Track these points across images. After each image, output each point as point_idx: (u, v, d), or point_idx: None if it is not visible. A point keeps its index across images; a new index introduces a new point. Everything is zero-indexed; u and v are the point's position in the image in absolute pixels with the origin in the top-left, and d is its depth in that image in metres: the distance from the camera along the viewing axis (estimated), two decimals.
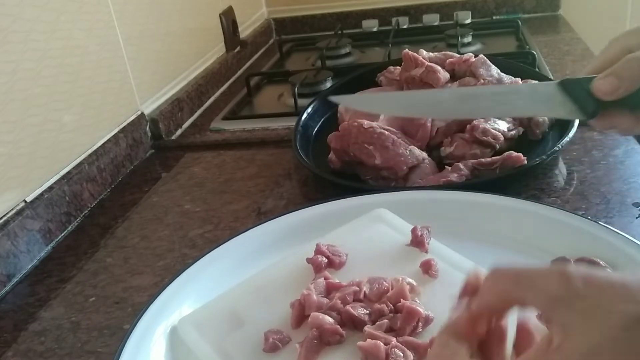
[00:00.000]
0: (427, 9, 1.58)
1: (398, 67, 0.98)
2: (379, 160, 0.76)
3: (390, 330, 0.49)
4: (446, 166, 0.76)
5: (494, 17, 1.56)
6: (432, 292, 0.53)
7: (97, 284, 0.68)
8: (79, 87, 0.86)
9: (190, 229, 0.76)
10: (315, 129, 0.96)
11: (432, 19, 1.53)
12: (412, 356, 0.46)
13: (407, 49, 0.95)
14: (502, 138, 0.79)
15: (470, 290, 0.37)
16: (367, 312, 0.50)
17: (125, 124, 0.97)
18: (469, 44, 1.34)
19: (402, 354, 0.45)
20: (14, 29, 0.74)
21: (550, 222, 0.61)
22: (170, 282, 0.59)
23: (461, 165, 0.74)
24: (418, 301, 0.51)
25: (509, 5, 1.56)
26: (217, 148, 1.00)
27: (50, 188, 0.78)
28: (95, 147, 0.89)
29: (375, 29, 1.54)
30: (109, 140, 0.92)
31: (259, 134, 1.03)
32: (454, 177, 0.73)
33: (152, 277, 0.68)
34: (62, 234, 0.79)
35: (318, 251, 0.58)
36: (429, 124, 0.81)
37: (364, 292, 0.52)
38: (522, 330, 0.37)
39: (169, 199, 0.85)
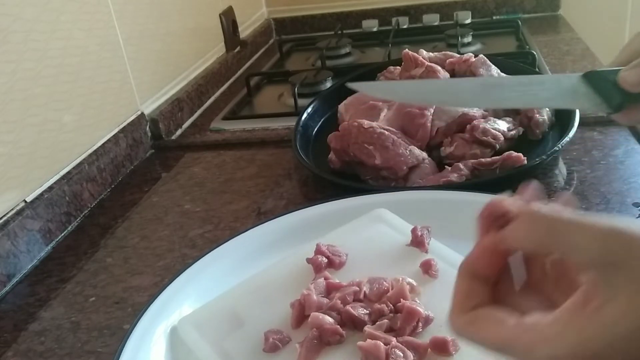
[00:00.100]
0: (427, 9, 1.58)
1: (398, 67, 0.98)
2: (379, 160, 0.76)
3: (390, 330, 0.49)
4: (446, 166, 0.76)
5: (494, 17, 1.56)
6: (432, 292, 0.53)
7: (97, 284, 0.68)
8: (79, 87, 0.86)
9: (190, 229, 0.76)
10: (315, 129, 0.96)
11: (432, 19, 1.52)
12: (412, 356, 0.46)
13: (407, 49, 0.95)
14: (502, 138, 0.79)
15: (493, 216, 0.35)
16: (367, 312, 0.50)
17: (125, 124, 0.97)
18: (469, 44, 1.34)
19: (402, 354, 0.45)
20: (14, 29, 0.74)
21: None
22: (170, 282, 0.59)
23: (461, 165, 0.74)
24: (418, 301, 0.51)
25: (509, 5, 1.56)
26: (217, 148, 1.00)
27: (50, 188, 0.78)
28: (95, 147, 0.89)
29: (375, 29, 1.54)
30: (109, 140, 0.92)
31: (259, 134, 1.03)
32: (454, 177, 0.73)
33: (152, 277, 0.68)
34: (62, 234, 0.79)
35: (318, 251, 0.58)
36: (428, 124, 0.81)
37: (364, 292, 0.52)
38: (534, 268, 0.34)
39: (169, 199, 0.85)
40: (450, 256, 0.57)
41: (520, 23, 1.40)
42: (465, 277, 0.35)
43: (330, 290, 0.53)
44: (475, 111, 0.83)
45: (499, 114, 0.85)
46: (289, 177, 0.86)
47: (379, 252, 0.59)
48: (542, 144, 0.82)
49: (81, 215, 0.83)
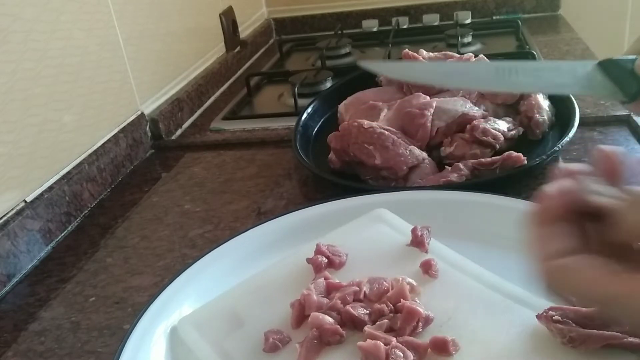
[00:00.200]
0: (427, 9, 1.58)
1: None
2: (379, 160, 0.76)
3: (390, 330, 0.49)
4: (446, 166, 0.76)
5: (494, 17, 1.56)
6: (432, 292, 0.53)
7: (97, 284, 0.68)
8: (79, 87, 0.86)
9: (190, 229, 0.76)
10: (315, 129, 0.96)
11: (432, 19, 1.53)
12: (412, 356, 0.46)
13: (407, 49, 0.95)
14: (502, 138, 0.79)
15: (604, 166, 0.33)
16: (367, 312, 0.50)
17: (125, 124, 0.97)
18: (469, 44, 1.34)
19: (402, 354, 0.45)
20: (14, 29, 0.74)
21: None
22: (170, 282, 0.59)
23: (461, 165, 0.74)
24: (418, 301, 0.51)
25: (509, 5, 1.56)
26: (217, 148, 1.00)
27: (50, 188, 0.78)
28: (95, 147, 0.89)
29: (375, 29, 1.54)
30: (109, 140, 0.92)
31: (259, 134, 1.03)
32: (454, 177, 0.73)
33: (152, 277, 0.68)
34: (62, 234, 0.79)
35: (318, 251, 0.58)
36: (428, 124, 0.81)
37: (364, 292, 0.52)
38: None
39: (169, 199, 0.85)
40: (450, 256, 0.57)
41: (520, 23, 1.40)
42: (543, 222, 0.32)
43: (330, 290, 0.53)
44: (475, 111, 0.83)
45: (499, 114, 0.85)
46: (289, 177, 0.86)
47: (379, 252, 0.59)
48: (542, 144, 0.82)
49: (81, 215, 0.83)
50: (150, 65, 1.07)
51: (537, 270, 0.30)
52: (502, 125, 0.81)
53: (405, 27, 1.53)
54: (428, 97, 0.85)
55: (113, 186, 0.91)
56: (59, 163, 0.81)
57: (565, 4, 1.53)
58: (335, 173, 0.82)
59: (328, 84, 1.15)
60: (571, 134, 0.77)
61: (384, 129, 0.78)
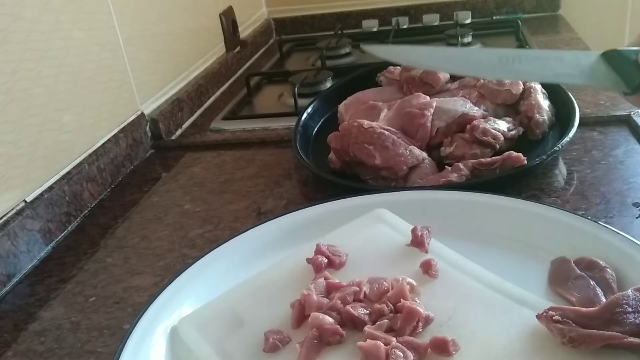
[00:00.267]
0: (427, 9, 1.58)
1: (398, 67, 0.98)
2: (379, 160, 0.76)
3: (390, 330, 0.49)
4: (446, 166, 0.76)
5: (494, 17, 1.56)
6: (432, 292, 0.53)
7: (97, 284, 0.68)
8: (79, 87, 0.86)
9: (190, 229, 0.76)
10: (315, 129, 0.96)
11: (432, 19, 1.53)
12: (412, 356, 0.46)
13: None
14: (502, 138, 0.79)
15: None
16: (367, 312, 0.50)
17: (125, 124, 0.97)
18: (469, 44, 1.34)
19: (402, 354, 0.45)
20: (14, 29, 0.74)
21: (550, 222, 0.61)
22: (170, 282, 0.59)
23: (461, 165, 0.74)
24: (418, 301, 0.51)
25: (509, 5, 1.56)
26: (217, 148, 1.00)
27: (50, 188, 0.78)
28: (95, 147, 0.89)
29: (375, 29, 1.54)
30: (109, 140, 0.92)
31: (259, 134, 1.03)
32: (454, 177, 0.73)
33: (152, 277, 0.68)
34: (62, 234, 0.79)
35: (318, 251, 0.58)
36: (428, 124, 0.81)
37: (364, 292, 0.52)
38: None
39: (169, 199, 0.85)
40: (450, 256, 0.57)
41: (520, 23, 1.40)
42: None
43: (330, 290, 0.53)
44: (475, 111, 0.83)
45: (499, 114, 0.85)
46: (289, 177, 0.86)
47: (379, 252, 0.59)
48: (542, 144, 0.82)
49: (81, 215, 0.83)
50: (150, 65, 1.07)
51: None
52: (502, 125, 0.81)
53: (405, 27, 1.53)
54: (428, 97, 0.85)
55: (113, 186, 0.91)
56: (59, 163, 0.81)
57: (565, 4, 1.53)
58: (335, 173, 0.82)
59: (328, 84, 1.15)
60: (571, 134, 0.77)
61: (384, 129, 0.78)
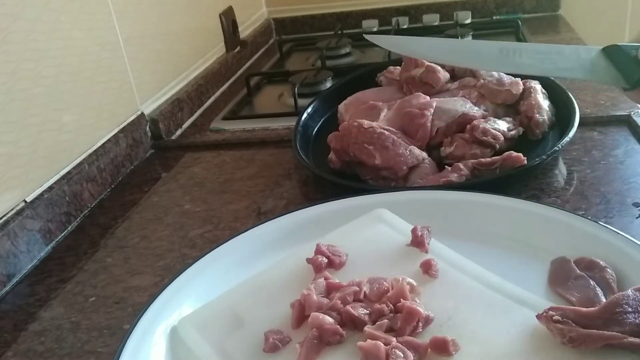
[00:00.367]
0: (427, 9, 1.58)
1: (398, 67, 0.98)
2: (379, 160, 0.76)
3: (390, 330, 0.49)
4: (446, 166, 0.76)
5: (494, 17, 1.56)
6: (432, 292, 0.53)
7: (97, 284, 0.68)
8: (79, 87, 0.86)
9: (190, 229, 0.76)
10: (315, 129, 0.96)
11: (432, 19, 1.53)
12: (412, 356, 0.46)
13: None
14: (502, 138, 0.79)
15: None
16: (367, 312, 0.50)
17: (125, 124, 0.97)
18: None
19: (402, 354, 0.45)
20: (14, 29, 0.74)
21: (550, 222, 0.61)
22: (170, 282, 0.59)
23: (461, 165, 0.74)
24: (418, 301, 0.51)
25: (509, 5, 1.56)
26: (217, 148, 1.00)
27: (50, 188, 0.78)
28: (95, 147, 0.89)
29: (375, 29, 1.54)
30: (109, 140, 0.92)
31: (259, 134, 1.03)
32: (454, 177, 0.73)
33: (152, 277, 0.68)
34: (62, 234, 0.79)
35: (318, 251, 0.58)
36: (428, 124, 0.81)
37: (364, 292, 0.52)
38: None
39: (169, 199, 0.85)
40: (450, 256, 0.57)
41: (520, 23, 1.40)
42: None
43: (330, 290, 0.53)
44: (475, 111, 0.83)
45: (499, 114, 0.85)
46: (289, 177, 0.86)
47: (379, 252, 0.59)
48: (542, 144, 0.82)
49: (81, 215, 0.83)
50: (150, 65, 1.07)
51: None
52: (502, 125, 0.81)
53: (405, 27, 1.53)
54: (428, 97, 0.85)
55: (113, 186, 0.91)
56: (59, 163, 0.81)
57: (565, 4, 1.53)
58: (335, 173, 0.82)
59: (328, 84, 1.15)
60: (571, 134, 0.77)
61: (384, 129, 0.78)
